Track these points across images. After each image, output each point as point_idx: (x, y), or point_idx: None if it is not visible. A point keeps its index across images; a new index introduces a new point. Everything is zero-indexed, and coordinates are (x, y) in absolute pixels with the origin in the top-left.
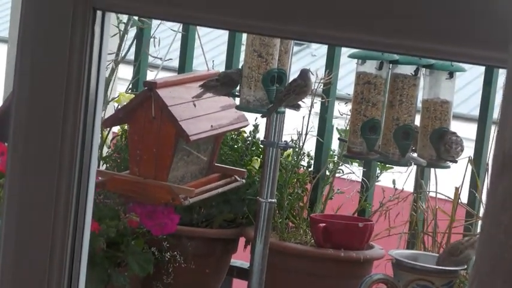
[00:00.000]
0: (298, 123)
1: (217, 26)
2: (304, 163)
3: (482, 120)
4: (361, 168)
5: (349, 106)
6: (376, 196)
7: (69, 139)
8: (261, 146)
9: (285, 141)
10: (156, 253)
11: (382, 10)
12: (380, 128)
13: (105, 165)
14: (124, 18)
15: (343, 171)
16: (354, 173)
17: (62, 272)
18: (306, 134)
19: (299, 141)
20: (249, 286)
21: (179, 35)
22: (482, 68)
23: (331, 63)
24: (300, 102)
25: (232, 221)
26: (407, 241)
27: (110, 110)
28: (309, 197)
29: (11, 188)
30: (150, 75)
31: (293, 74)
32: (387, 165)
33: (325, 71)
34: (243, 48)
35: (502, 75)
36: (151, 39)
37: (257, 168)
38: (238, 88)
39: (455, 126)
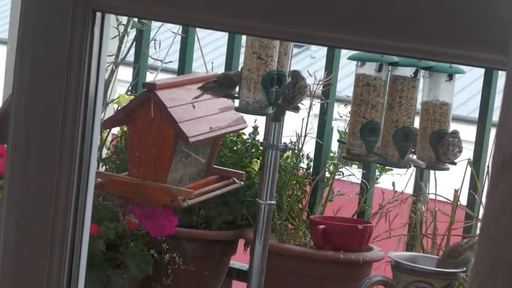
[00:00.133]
0: (297, 125)
1: (217, 28)
2: (303, 165)
3: (482, 122)
4: (361, 170)
5: (349, 108)
6: (376, 198)
7: (68, 140)
8: (261, 148)
9: (284, 143)
10: (155, 255)
11: (382, 11)
12: (379, 130)
13: (104, 167)
14: (124, 19)
15: (343, 173)
16: (353, 174)
17: (62, 273)
18: (305, 136)
19: (298, 143)
20: None
21: (178, 37)
22: (482, 70)
23: (331, 65)
24: (299, 104)
25: (232, 223)
26: (407, 243)
27: (110, 112)
28: (309, 199)
29: (11, 188)
30: (150, 77)
31: None
32: (386, 167)
33: (324, 73)
34: (242, 50)
35: (501, 77)
36: (152, 42)
37: (257, 170)
38: (237, 90)
39: (454, 128)
